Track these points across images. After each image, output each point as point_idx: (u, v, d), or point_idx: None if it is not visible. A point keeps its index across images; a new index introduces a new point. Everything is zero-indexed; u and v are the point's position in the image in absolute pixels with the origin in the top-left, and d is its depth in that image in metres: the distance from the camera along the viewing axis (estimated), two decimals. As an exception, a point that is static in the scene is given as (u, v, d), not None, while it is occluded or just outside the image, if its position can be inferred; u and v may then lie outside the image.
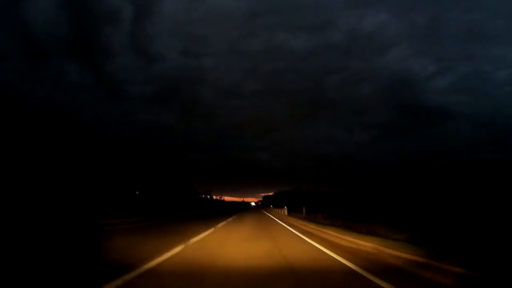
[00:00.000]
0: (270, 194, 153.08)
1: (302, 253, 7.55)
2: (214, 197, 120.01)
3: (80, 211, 18.01)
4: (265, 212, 49.16)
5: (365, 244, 8.00)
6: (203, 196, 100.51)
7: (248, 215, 34.95)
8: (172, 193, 51.92)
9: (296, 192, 77.50)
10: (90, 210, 18.97)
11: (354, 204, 28.92)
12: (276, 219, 25.83)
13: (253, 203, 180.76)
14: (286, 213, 34.08)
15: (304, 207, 27.33)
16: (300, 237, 11.60)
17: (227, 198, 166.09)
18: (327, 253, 7.50)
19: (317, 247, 8.61)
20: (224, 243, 9.18)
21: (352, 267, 5.76)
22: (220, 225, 16.45)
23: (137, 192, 41.16)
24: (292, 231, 13.85)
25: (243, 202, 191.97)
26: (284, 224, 18.77)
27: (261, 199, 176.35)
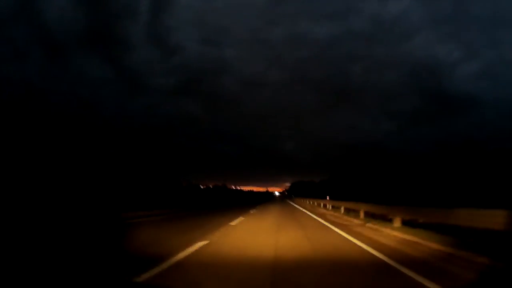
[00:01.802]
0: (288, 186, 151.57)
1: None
2: (235, 187, 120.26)
3: (106, 204, 18.55)
4: (297, 207, 33.94)
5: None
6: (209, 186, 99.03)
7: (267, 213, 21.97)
8: (192, 184, 52.60)
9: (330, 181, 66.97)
10: (115, 203, 19.49)
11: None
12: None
13: (277, 193, 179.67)
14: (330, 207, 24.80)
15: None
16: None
17: (245, 188, 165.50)
18: None
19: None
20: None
21: None
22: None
23: (183, 183, 42.95)
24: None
25: (267, 192, 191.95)
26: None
27: (285, 188, 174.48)
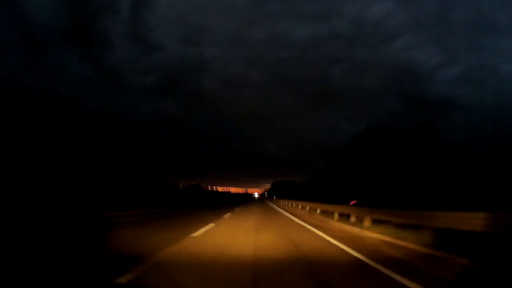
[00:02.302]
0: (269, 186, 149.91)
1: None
2: (211, 187, 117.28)
3: (85, 204, 18.12)
4: (274, 207, 34.16)
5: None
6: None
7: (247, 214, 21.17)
8: (171, 185, 51.79)
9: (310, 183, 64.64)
10: (95, 202, 19.07)
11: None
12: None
13: (256, 194, 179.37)
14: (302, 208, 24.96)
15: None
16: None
17: (224, 189, 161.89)
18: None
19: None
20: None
21: None
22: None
23: (153, 186, 41.91)
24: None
25: (246, 193, 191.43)
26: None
27: (265, 190, 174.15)
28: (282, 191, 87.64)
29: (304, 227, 12.35)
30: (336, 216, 14.91)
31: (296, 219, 16.08)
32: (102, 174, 30.37)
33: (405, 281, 4.19)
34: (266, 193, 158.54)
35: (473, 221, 5.20)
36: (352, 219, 12.73)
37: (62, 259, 5.49)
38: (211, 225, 11.98)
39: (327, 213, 17.65)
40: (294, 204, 31.67)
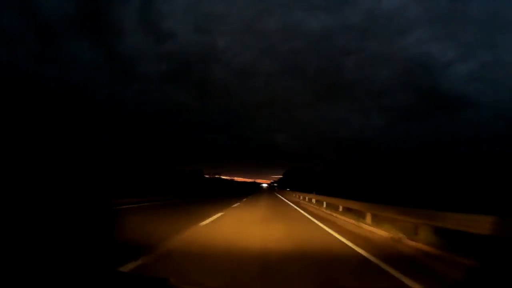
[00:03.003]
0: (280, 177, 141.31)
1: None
2: (212, 175, 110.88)
3: (95, 191, 18.38)
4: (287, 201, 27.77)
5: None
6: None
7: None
8: (180, 173, 51.90)
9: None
10: (105, 189, 19.32)
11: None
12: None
13: (264, 185, 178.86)
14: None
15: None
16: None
17: (232, 178, 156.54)
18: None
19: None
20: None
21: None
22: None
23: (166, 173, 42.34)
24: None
25: (254, 183, 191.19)
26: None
27: (274, 180, 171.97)
28: (296, 182, 73.24)
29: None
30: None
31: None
32: (113, 161, 30.77)
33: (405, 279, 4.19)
34: (275, 184, 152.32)
35: (481, 224, 5.11)
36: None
37: (67, 246, 5.57)
38: (219, 214, 12.17)
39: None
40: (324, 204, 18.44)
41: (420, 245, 6.42)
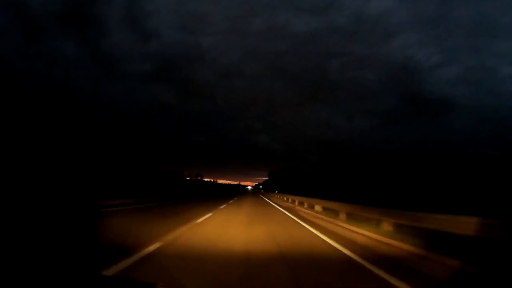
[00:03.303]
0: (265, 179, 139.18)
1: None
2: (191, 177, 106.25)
3: (77, 192, 18.00)
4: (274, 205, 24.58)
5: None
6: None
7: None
8: (162, 174, 51.13)
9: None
10: (89, 190, 18.96)
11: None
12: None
13: (249, 187, 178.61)
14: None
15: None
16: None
17: (207, 179, 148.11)
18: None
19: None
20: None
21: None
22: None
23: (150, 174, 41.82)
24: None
25: (238, 185, 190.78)
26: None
27: (259, 182, 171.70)
28: (284, 183, 67.00)
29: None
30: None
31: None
32: (96, 160, 30.23)
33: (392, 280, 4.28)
34: (261, 186, 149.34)
35: (465, 225, 5.24)
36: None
37: (49, 249, 5.42)
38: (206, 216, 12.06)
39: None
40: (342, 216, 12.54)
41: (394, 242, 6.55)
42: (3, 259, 4.47)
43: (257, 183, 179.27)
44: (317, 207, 17.67)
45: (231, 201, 26.89)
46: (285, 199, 31.99)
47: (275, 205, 24.57)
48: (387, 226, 8.63)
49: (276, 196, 44.19)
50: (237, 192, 69.62)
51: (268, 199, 39.84)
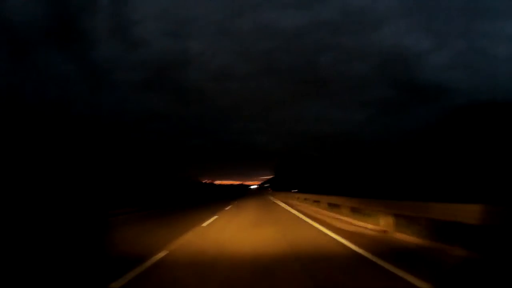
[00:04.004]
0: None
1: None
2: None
3: (81, 202, 18.04)
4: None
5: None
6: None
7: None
8: (166, 181, 50.51)
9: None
10: (93, 199, 19.01)
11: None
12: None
13: (254, 186, 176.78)
14: None
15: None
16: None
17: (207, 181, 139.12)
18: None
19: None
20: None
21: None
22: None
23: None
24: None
25: (241, 185, 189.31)
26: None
27: (263, 181, 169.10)
28: (296, 179, 55.19)
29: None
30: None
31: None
32: (97, 172, 30.25)
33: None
34: (267, 185, 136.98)
35: (469, 213, 5.22)
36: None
37: (55, 260, 5.44)
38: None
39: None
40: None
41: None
42: (12, 269, 4.48)
43: (261, 182, 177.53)
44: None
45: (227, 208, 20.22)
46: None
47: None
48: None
49: (298, 199, 25.50)
50: (239, 195, 62.47)
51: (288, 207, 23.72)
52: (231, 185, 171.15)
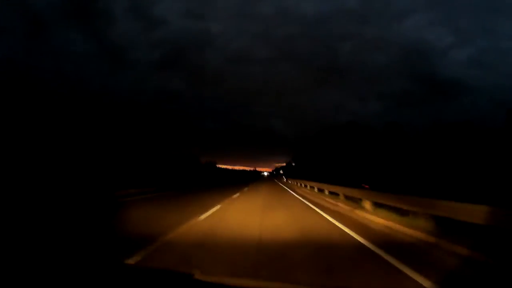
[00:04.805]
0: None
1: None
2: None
3: (98, 181, 18.50)
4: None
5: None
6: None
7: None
8: (176, 162, 50.42)
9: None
10: (107, 180, 19.46)
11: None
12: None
13: (265, 173, 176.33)
14: None
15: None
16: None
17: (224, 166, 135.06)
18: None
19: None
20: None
21: None
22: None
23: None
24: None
25: (254, 171, 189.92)
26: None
27: (276, 167, 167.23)
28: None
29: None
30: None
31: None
32: (111, 150, 30.76)
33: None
34: (281, 171, 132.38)
35: (474, 213, 5.26)
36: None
37: (70, 239, 5.72)
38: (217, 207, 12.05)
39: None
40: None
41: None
42: (27, 249, 4.72)
43: (274, 169, 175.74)
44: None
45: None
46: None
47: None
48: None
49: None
50: (252, 179, 68.48)
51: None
52: (244, 170, 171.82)
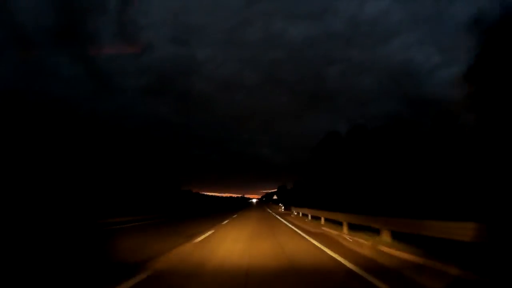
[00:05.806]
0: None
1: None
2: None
3: (81, 209, 18.03)
4: None
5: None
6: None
7: None
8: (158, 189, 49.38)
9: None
10: (91, 207, 19.02)
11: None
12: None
13: (254, 200, 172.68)
14: None
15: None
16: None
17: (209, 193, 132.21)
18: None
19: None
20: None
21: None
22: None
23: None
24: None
25: (242, 198, 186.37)
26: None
27: (263, 194, 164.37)
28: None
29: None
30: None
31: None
32: (97, 176, 30.20)
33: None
34: (275, 197, 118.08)
35: (462, 231, 5.31)
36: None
37: (57, 268, 5.51)
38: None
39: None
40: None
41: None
42: (11, 279, 4.51)
43: (263, 195, 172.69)
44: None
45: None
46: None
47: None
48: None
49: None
50: (237, 208, 57.77)
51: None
52: (230, 197, 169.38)
